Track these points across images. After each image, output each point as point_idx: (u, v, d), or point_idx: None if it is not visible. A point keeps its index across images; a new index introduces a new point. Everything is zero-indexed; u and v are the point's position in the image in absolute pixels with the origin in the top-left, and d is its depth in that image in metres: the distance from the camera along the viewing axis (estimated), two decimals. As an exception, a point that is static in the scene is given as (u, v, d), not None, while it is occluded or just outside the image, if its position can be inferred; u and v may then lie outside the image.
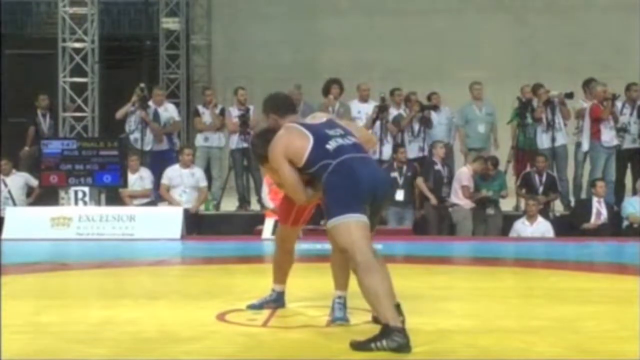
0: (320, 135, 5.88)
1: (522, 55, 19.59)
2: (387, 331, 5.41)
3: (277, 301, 6.86)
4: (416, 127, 15.05)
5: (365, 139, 6.36)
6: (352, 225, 5.62)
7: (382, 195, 5.92)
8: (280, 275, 6.89)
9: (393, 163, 14.34)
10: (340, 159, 5.78)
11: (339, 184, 5.73)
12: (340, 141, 5.88)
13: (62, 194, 14.94)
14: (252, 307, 6.82)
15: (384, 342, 5.38)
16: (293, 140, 5.89)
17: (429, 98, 15.40)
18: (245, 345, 5.74)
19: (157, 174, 14.77)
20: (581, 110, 14.92)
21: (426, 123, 15.02)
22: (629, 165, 14.96)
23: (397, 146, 14.53)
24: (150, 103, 15.47)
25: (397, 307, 5.87)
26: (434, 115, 15.23)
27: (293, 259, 6.91)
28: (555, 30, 19.73)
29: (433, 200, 14.20)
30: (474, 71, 17.88)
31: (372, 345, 5.40)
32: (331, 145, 5.84)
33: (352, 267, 5.69)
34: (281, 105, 6.27)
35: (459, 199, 14.17)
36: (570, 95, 14.79)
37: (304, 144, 5.84)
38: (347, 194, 5.69)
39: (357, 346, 5.46)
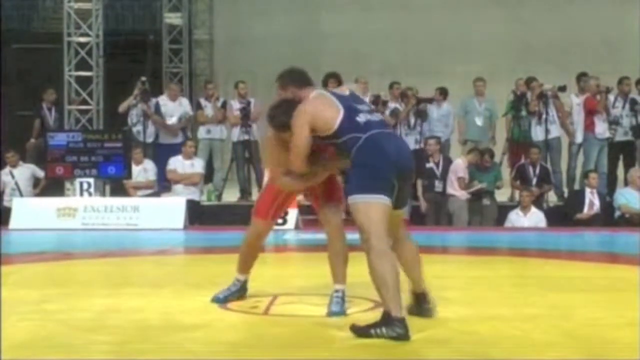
0: (350, 107, 5.83)
1: (517, 50, 19.66)
2: (388, 320, 5.42)
3: (241, 290, 6.82)
4: (412, 120, 15.26)
5: None
6: (372, 207, 5.55)
7: (409, 169, 5.86)
8: (246, 266, 6.85)
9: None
10: (370, 133, 5.71)
11: (367, 161, 5.65)
12: (368, 116, 5.84)
13: (67, 185, 15.11)
14: (216, 300, 6.76)
15: (384, 330, 5.40)
16: (324, 109, 5.83)
17: (435, 92, 15.57)
18: (248, 332, 5.84)
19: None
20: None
21: (422, 116, 15.21)
22: (620, 157, 15.16)
23: None
24: (164, 97, 15.71)
25: (424, 295, 6.00)
26: (433, 109, 15.43)
27: (258, 253, 6.90)
28: (549, 24, 19.81)
29: (423, 206, 14.39)
30: (469, 65, 18.06)
31: (372, 331, 5.43)
32: (361, 119, 5.78)
33: (365, 249, 5.57)
34: (298, 78, 6.19)
35: (454, 190, 14.35)
36: (563, 89, 14.93)
37: (334, 114, 5.78)
38: (374, 173, 5.63)
39: (357, 331, 5.50)
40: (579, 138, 14.98)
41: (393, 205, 5.68)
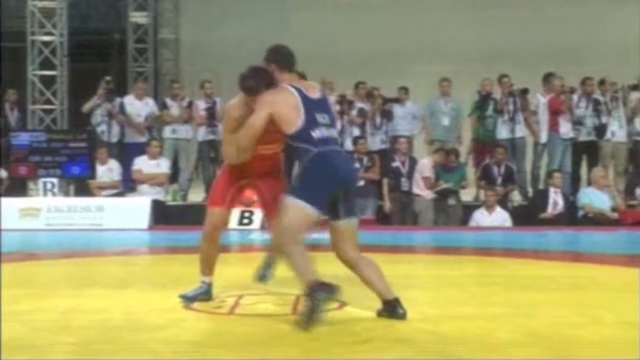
0: (311, 119, 6.05)
1: (484, 50, 19.76)
2: (311, 290, 5.70)
3: (207, 293, 6.83)
4: (378, 120, 15.30)
5: None
6: (302, 214, 5.94)
7: (352, 181, 6.22)
8: (209, 267, 6.85)
9: (353, 155, 14.62)
10: (321, 149, 6.00)
11: (315, 174, 5.98)
12: (324, 132, 6.07)
13: (31, 185, 15.02)
14: (184, 297, 6.80)
15: (316, 296, 5.67)
16: (286, 111, 6.05)
17: (399, 92, 15.61)
18: (212, 332, 5.86)
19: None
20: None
21: (387, 116, 15.26)
22: (584, 157, 15.28)
23: (358, 138, 14.80)
24: (130, 97, 15.65)
25: (397, 301, 6.09)
26: (397, 109, 15.50)
27: (219, 249, 6.86)
28: (517, 24, 19.93)
29: (387, 206, 14.44)
30: (437, 65, 18.13)
31: (310, 311, 5.67)
32: (316, 134, 6.03)
33: (281, 246, 5.99)
34: (284, 59, 6.32)
35: (420, 190, 14.39)
36: (525, 92, 15.03)
37: (294, 119, 6.02)
38: (316, 187, 5.97)
39: (300, 324, 5.71)
40: (543, 138, 15.07)
41: (341, 214, 6.09)
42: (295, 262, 5.89)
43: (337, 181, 6.04)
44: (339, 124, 14.90)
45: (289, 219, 5.95)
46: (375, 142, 15.16)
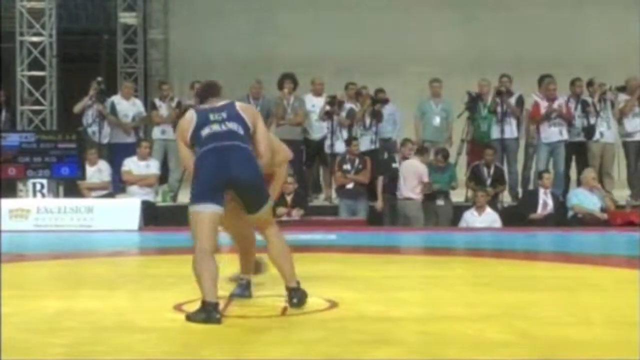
0: (201, 120, 6.49)
1: (472, 51, 19.80)
2: (203, 304, 6.11)
3: (247, 290, 7.11)
4: (367, 120, 15.30)
5: (264, 147, 6.70)
6: (199, 216, 6.30)
7: (242, 179, 6.40)
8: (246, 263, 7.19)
9: (346, 155, 14.62)
10: (206, 147, 6.40)
11: (198, 173, 6.39)
12: (215, 128, 6.46)
13: (20, 186, 14.95)
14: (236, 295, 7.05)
15: (198, 314, 6.08)
16: (183, 124, 6.60)
17: (376, 93, 15.62)
18: (202, 334, 5.83)
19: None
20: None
21: (377, 117, 15.26)
22: (573, 158, 15.31)
23: (350, 139, 14.79)
24: (118, 96, 15.64)
25: (293, 290, 6.45)
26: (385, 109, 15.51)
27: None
28: (505, 25, 19.97)
29: (379, 205, 14.45)
30: (425, 66, 18.16)
31: (190, 316, 6.12)
32: (205, 132, 6.45)
33: (194, 254, 6.28)
34: (201, 93, 6.88)
35: (415, 194, 14.32)
36: (499, 93, 15.05)
37: (188, 127, 6.52)
38: (203, 183, 6.35)
39: (187, 317, 6.16)
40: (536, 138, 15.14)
41: (246, 211, 6.49)
42: (200, 270, 6.19)
43: (219, 177, 6.33)
44: (327, 124, 15.02)
45: (194, 228, 6.31)
46: (365, 143, 15.16)
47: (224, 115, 6.50)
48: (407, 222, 14.30)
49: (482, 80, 15.48)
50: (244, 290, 7.05)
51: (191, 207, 6.34)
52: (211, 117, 6.48)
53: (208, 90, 6.81)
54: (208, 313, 6.05)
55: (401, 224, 14.37)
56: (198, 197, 6.32)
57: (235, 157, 6.41)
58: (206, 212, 6.28)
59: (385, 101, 15.42)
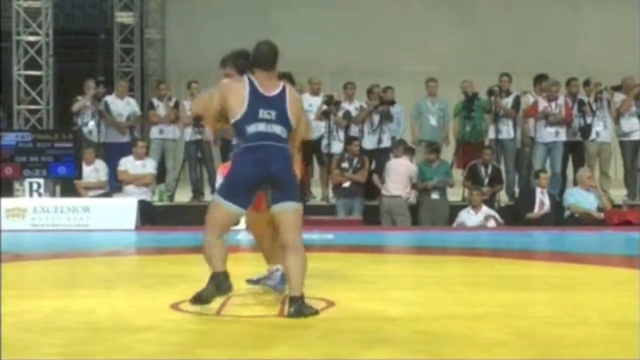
0: (250, 113, 6.33)
1: (470, 50, 19.81)
2: (212, 275, 6.23)
3: (281, 282, 7.04)
4: (376, 119, 15.25)
5: (301, 129, 6.70)
6: (221, 210, 6.36)
7: (274, 175, 6.33)
8: (271, 254, 7.21)
9: (344, 154, 14.61)
10: (249, 145, 6.33)
11: (235, 169, 6.39)
12: (261, 128, 6.33)
13: (16, 185, 14.93)
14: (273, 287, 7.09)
15: (209, 286, 6.21)
16: (233, 101, 6.39)
17: (384, 91, 15.61)
18: (200, 333, 5.84)
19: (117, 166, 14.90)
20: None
21: (387, 116, 15.23)
22: (570, 157, 15.32)
23: (351, 139, 14.78)
24: (112, 96, 15.63)
25: (291, 300, 6.23)
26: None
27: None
28: (502, 25, 19.99)
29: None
30: (422, 66, 18.18)
31: (203, 294, 6.21)
32: (251, 129, 6.32)
33: (203, 239, 6.39)
34: (241, 64, 6.65)
35: (395, 190, 14.32)
36: (491, 93, 15.05)
37: (235, 111, 6.36)
38: (236, 181, 6.35)
39: (192, 300, 6.26)
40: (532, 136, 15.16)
41: (272, 200, 6.38)
42: (210, 250, 6.32)
43: (256, 175, 6.30)
44: (324, 124, 15.01)
45: (210, 216, 6.39)
46: (372, 142, 15.13)
47: (273, 115, 6.37)
48: (392, 221, 14.28)
49: (464, 82, 15.46)
50: (277, 283, 7.03)
51: (216, 196, 6.45)
52: (261, 114, 6.34)
53: (264, 58, 6.54)
54: (218, 283, 6.18)
55: (386, 222, 14.34)
56: (226, 192, 6.37)
57: (274, 157, 6.36)
58: (227, 209, 6.35)
59: (392, 102, 15.37)
